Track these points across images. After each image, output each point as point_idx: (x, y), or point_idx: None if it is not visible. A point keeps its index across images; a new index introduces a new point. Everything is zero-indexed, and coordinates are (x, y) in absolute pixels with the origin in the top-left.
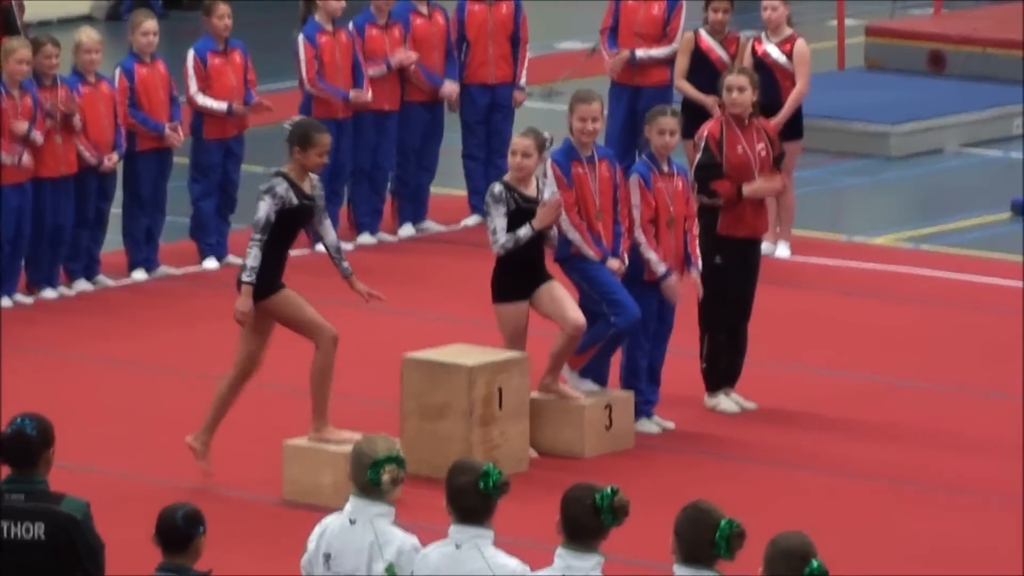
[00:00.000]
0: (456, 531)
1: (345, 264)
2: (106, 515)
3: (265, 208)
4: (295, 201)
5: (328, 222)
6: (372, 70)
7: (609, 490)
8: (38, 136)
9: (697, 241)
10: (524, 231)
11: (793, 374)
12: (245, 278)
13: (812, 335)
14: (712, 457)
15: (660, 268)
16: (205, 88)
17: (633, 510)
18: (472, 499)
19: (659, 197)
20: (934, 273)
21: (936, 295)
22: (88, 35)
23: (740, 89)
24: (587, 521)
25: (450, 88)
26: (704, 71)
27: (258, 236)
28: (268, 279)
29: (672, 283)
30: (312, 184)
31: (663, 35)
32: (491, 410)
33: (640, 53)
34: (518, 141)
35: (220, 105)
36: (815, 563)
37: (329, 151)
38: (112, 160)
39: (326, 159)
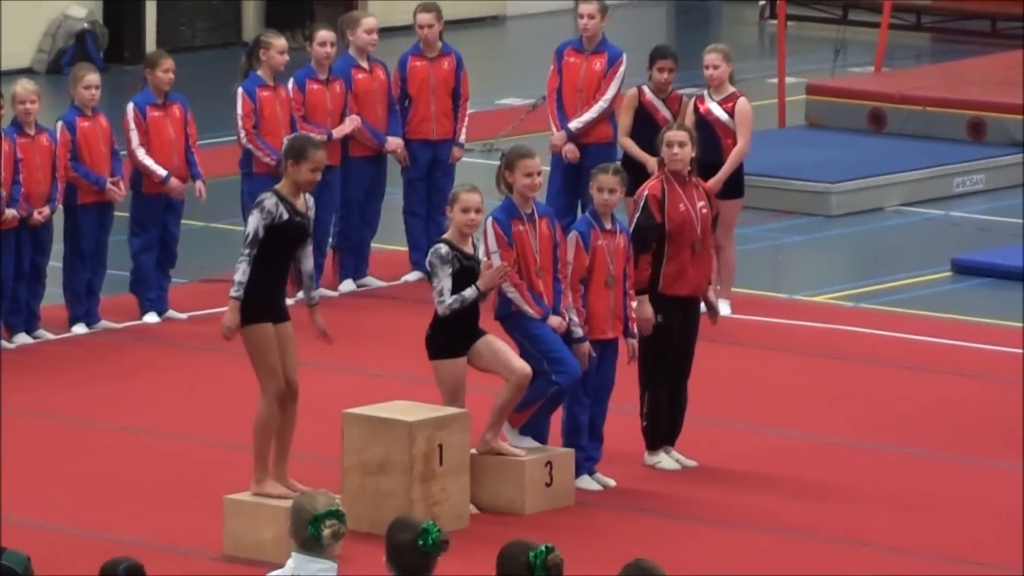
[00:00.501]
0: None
1: (314, 294)
2: (46, 570)
3: (253, 222)
4: (285, 216)
5: (310, 248)
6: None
7: (543, 548)
8: None
9: (633, 304)
10: (470, 292)
11: (734, 432)
12: (233, 293)
13: (752, 393)
14: (652, 515)
15: (577, 331)
16: (145, 142)
17: (572, 567)
18: (412, 557)
19: (599, 255)
20: (874, 332)
21: (876, 354)
22: (23, 86)
23: (680, 144)
24: None
25: (394, 143)
26: (647, 128)
27: (246, 251)
28: (257, 302)
29: (585, 349)
30: (306, 203)
31: (598, 89)
32: (431, 466)
33: (573, 124)
34: (470, 197)
35: (160, 171)
36: None
37: (322, 168)
38: (43, 214)
39: (318, 175)
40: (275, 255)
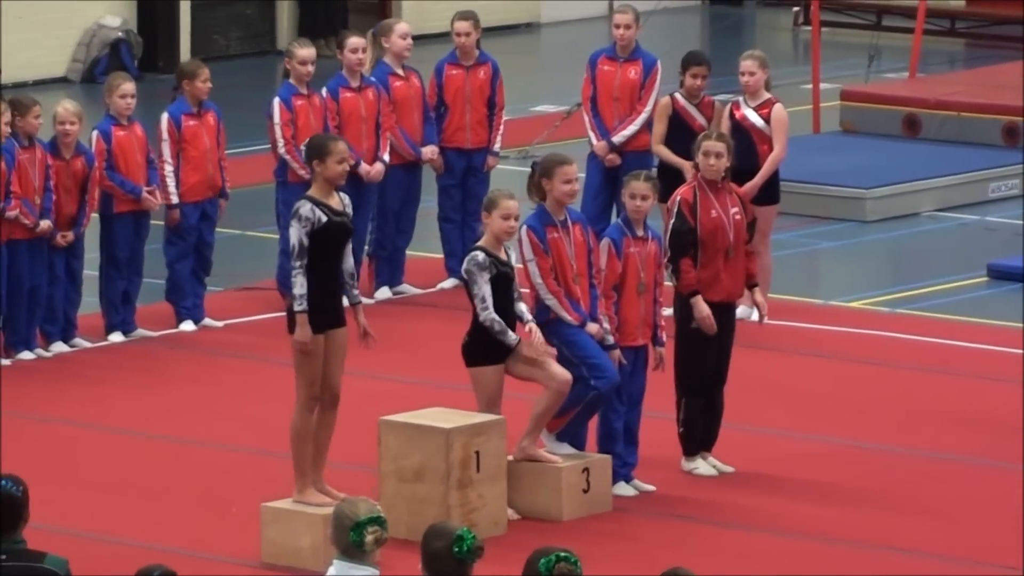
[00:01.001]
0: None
1: (356, 292)
2: None
3: (295, 234)
4: (324, 219)
5: (350, 247)
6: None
7: (555, 556)
8: (11, 215)
9: (662, 312)
10: (512, 338)
11: (770, 438)
12: (297, 308)
13: (788, 399)
14: (689, 520)
15: (608, 339)
16: (177, 152)
17: (610, 572)
18: (447, 563)
19: (631, 262)
20: (910, 337)
21: (911, 359)
22: (65, 107)
23: (717, 155)
24: None
25: (430, 152)
26: (683, 135)
27: (297, 264)
28: (311, 311)
29: (616, 356)
30: (341, 201)
31: (640, 99)
32: (468, 473)
33: (617, 139)
34: (511, 204)
35: (171, 195)
36: None
37: (348, 157)
38: (67, 239)
39: (347, 165)
40: (323, 260)
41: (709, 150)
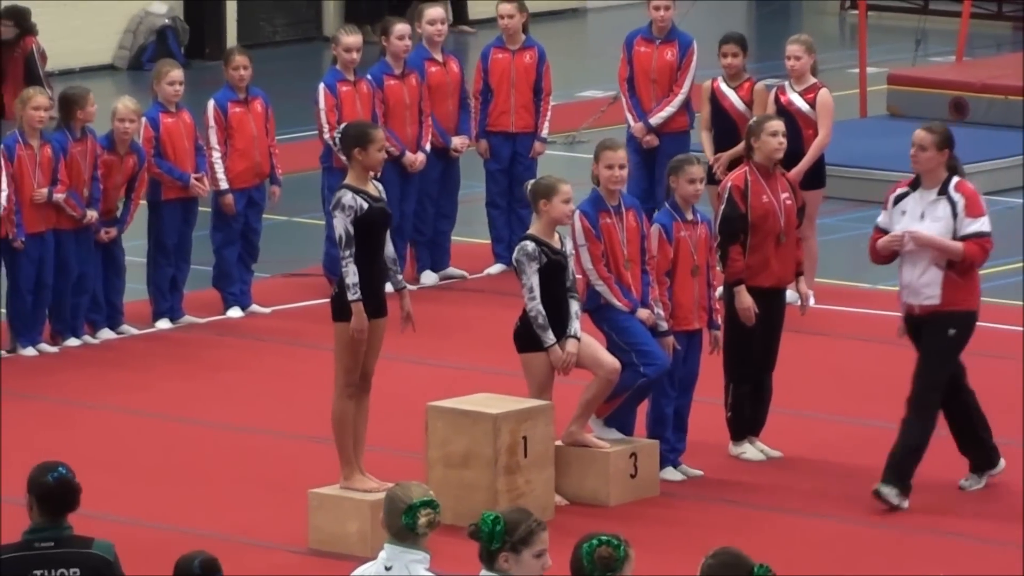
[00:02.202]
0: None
1: (400, 277)
2: (131, 564)
3: (340, 223)
4: (366, 206)
5: (388, 232)
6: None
7: (596, 540)
8: (59, 197)
9: (716, 294)
10: (546, 337)
11: (818, 422)
12: (352, 297)
13: (836, 383)
14: (736, 505)
15: (662, 325)
16: (224, 139)
17: (657, 557)
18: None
19: (683, 246)
20: None
21: None
22: (125, 104)
23: (784, 134)
24: (577, 570)
25: (460, 143)
26: (717, 118)
27: (346, 253)
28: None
29: (669, 342)
30: (377, 189)
31: (676, 80)
32: (516, 458)
33: (654, 120)
34: (568, 188)
35: (221, 181)
36: None
37: (386, 145)
38: (109, 234)
39: (385, 153)
40: (366, 247)
41: (776, 130)
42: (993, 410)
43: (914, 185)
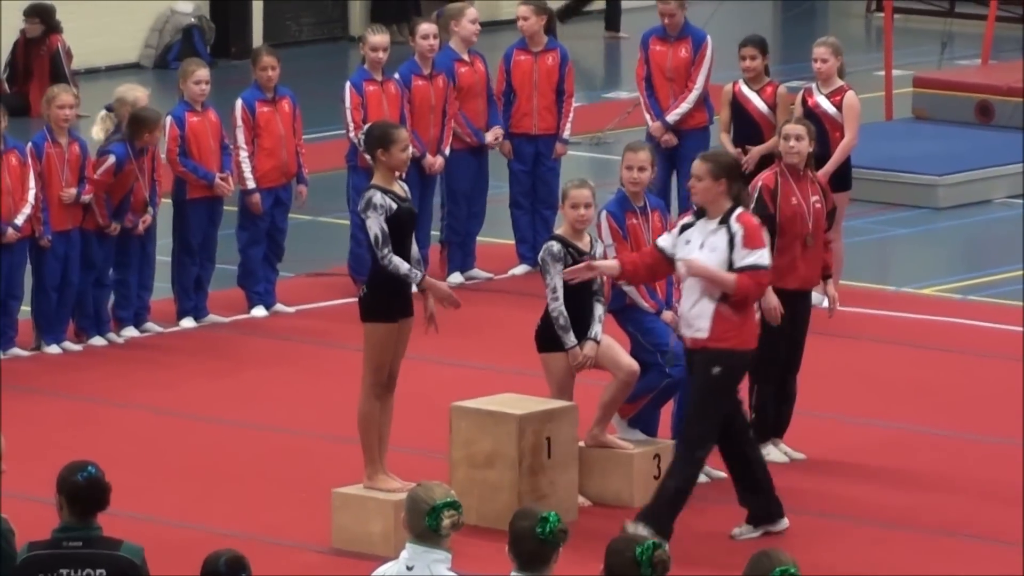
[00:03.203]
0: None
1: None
2: (155, 563)
3: (375, 223)
4: (394, 206)
5: (413, 235)
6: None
7: (650, 543)
8: (86, 198)
9: None
10: (567, 339)
11: (841, 424)
12: (415, 279)
13: (860, 386)
14: None
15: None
16: (251, 139)
17: (681, 559)
18: (530, 544)
19: None
20: (982, 324)
21: (984, 346)
22: (140, 91)
23: (797, 138)
24: (627, 573)
25: (493, 136)
26: (740, 120)
27: (385, 251)
28: (387, 299)
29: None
30: (404, 189)
31: (690, 77)
32: (540, 459)
33: (671, 118)
34: (580, 193)
35: (247, 180)
36: None
37: (410, 145)
38: (146, 222)
39: (410, 153)
40: (393, 246)
41: (789, 133)
42: (994, 410)
43: (699, 214)
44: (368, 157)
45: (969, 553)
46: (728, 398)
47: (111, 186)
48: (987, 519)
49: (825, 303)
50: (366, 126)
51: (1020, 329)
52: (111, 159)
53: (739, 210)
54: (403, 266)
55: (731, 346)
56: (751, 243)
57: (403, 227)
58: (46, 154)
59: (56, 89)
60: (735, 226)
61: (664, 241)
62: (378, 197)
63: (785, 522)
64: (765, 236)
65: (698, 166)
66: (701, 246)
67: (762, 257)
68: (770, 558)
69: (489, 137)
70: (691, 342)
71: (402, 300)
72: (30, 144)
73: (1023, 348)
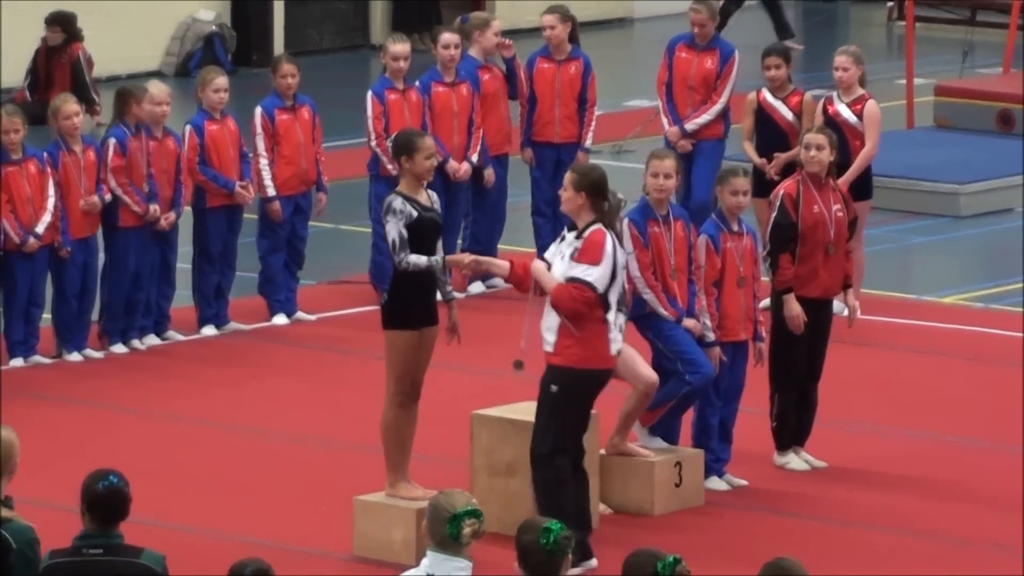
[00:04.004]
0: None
1: (449, 288)
2: (176, 571)
3: (393, 227)
4: (415, 214)
5: (440, 242)
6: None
7: (672, 559)
8: (107, 197)
9: (761, 305)
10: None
11: (862, 433)
12: (438, 264)
13: (881, 394)
14: (781, 515)
15: (709, 336)
16: (271, 147)
17: (702, 567)
18: (538, 556)
19: (728, 257)
20: (1003, 333)
21: (1006, 355)
22: (158, 87)
23: (818, 147)
24: None
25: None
26: (767, 129)
27: (401, 255)
28: (408, 307)
29: (716, 353)
30: (429, 198)
31: (715, 89)
32: None
33: (690, 126)
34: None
35: (268, 188)
36: None
37: (435, 153)
38: (168, 220)
39: (434, 161)
40: (415, 252)
41: (810, 143)
42: (1016, 420)
43: (571, 227)
44: (396, 166)
45: (989, 563)
46: (573, 413)
47: (127, 171)
48: (1008, 529)
49: (846, 312)
50: (394, 135)
51: (997, 332)
52: (111, 141)
53: (596, 226)
54: (422, 260)
55: (571, 363)
56: (584, 257)
57: (424, 236)
58: (62, 163)
59: (58, 101)
60: (582, 240)
61: (549, 251)
62: (398, 203)
63: (594, 562)
64: (605, 255)
65: (567, 177)
66: (563, 257)
67: (588, 273)
68: (786, 570)
69: (488, 177)
70: (544, 354)
71: (424, 308)
72: (46, 153)
73: None
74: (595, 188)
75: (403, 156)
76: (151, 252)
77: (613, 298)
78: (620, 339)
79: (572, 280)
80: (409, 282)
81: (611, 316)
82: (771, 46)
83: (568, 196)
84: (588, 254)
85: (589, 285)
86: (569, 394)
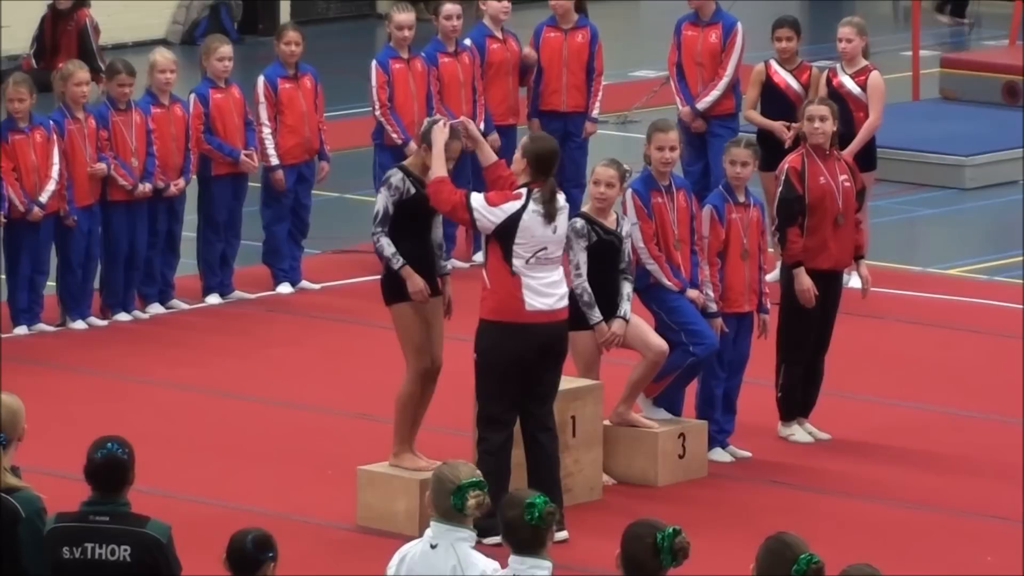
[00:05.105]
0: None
1: (444, 263)
2: (180, 540)
3: (382, 200)
4: (413, 190)
5: (439, 218)
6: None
7: (671, 530)
8: (102, 168)
9: (767, 278)
10: (592, 315)
11: (867, 405)
12: (397, 266)
13: (886, 366)
14: (784, 487)
15: (711, 306)
16: (274, 115)
17: (705, 538)
18: (524, 532)
19: (733, 228)
20: (1008, 305)
21: (1011, 327)
22: (163, 55)
23: (821, 119)
24: (646, 559)
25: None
26: (777, 101)
27: (377, 229)
28: (401, 282)
29: (718, 324)
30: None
31: (720, 63)
32: (564, 438)
33: (701, 105)
34: (602, 171)
35: (270, 156)
36: None
37: (454, 157)
38: (178, 186)
39: (451, 164)
40: (413, 230)
41: (813, 114)
42: (994, 388)
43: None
44: (394, 135)
45: (994, 534)
46: (492, 377)
47: (113, 144)
48: (1013, 500)
49: (853, 282)
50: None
51: (997, 303)
52: (91, 118)
53: (523, 189)
54: (388, 249)
55: (485, 316)
56: (491, 193)
57: (422, 211)
58: (68, 131)
59: (71, 66)
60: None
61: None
62: (397, 178)
63: (565, 533)
64: (501, 210)
65: (522, 140)
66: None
67: (478, 198)
68: (790, 547)
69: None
70: None
71: (426, 281)
72: (51, 121)
73: None
74: (536, 159)
75: (424, 145)
76: (144, 226)
77: (521, 253)
78: (628, 307)
79: (465, 192)
80: (407, 256)
81: (523, 270)
82: (783, 18)
83: (516, 157)
84: (496, 195)
85: (468, 198)
86: (488, 349)
